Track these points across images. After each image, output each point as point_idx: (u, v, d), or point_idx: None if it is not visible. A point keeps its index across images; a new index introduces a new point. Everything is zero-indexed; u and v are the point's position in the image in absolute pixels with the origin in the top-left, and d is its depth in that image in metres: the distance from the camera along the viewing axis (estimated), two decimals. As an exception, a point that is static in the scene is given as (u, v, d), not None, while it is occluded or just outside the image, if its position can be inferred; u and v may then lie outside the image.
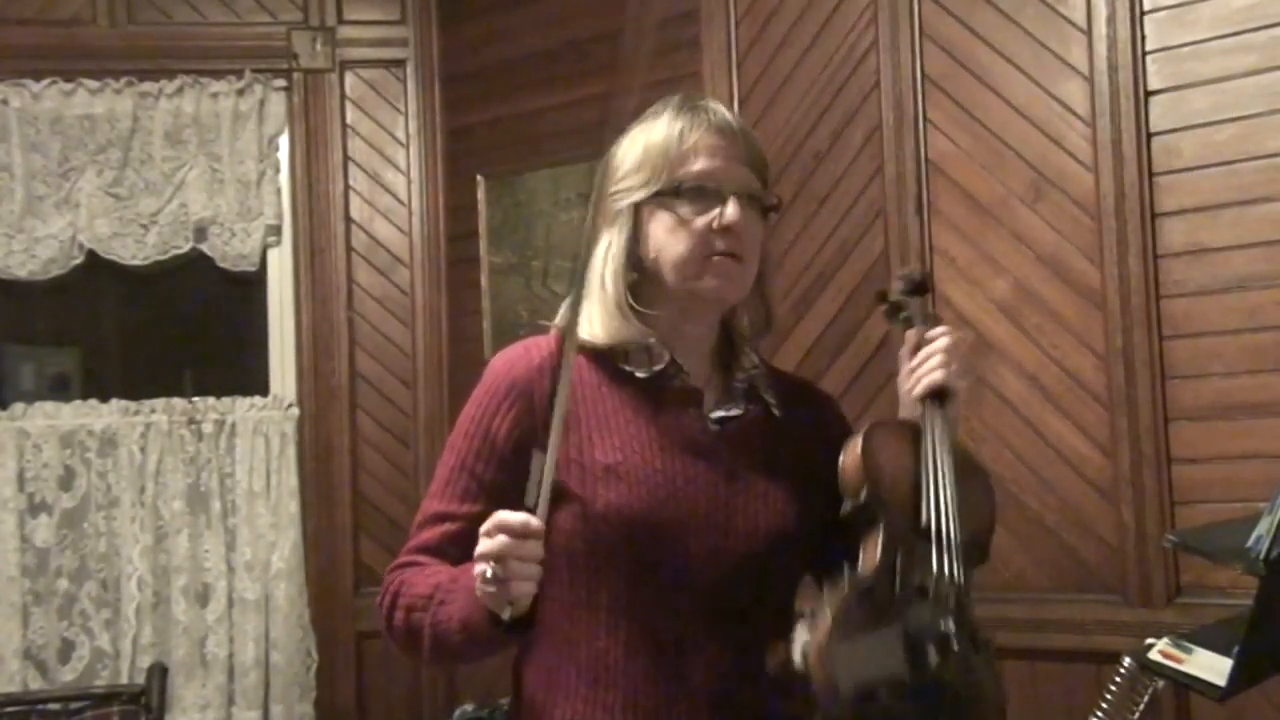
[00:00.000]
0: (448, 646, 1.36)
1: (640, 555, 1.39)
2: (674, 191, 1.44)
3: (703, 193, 1.44)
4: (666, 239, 1.45)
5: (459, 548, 1.42)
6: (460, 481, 1.46)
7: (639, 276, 1.48)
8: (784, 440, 1.49)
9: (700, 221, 1.44)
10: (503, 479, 1.44)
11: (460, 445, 1.48)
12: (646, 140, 1.47)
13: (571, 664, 1.40)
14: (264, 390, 3.82)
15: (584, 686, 1.39)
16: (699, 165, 1.45)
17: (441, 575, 1.40)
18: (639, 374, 1.47)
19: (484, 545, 1.25)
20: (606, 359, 1.48)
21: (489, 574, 1.24)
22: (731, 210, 1.43)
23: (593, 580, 1.41)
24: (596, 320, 1.46)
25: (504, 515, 1.26)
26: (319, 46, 3.85)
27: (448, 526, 1.45)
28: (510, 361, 1.49)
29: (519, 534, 1.24)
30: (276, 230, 3.83)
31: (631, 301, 1.46)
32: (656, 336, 1.47)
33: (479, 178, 3.75)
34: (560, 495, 1.37)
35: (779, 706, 1.37)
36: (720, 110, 1.48)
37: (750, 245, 1.46)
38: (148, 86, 3.75)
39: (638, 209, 1.47)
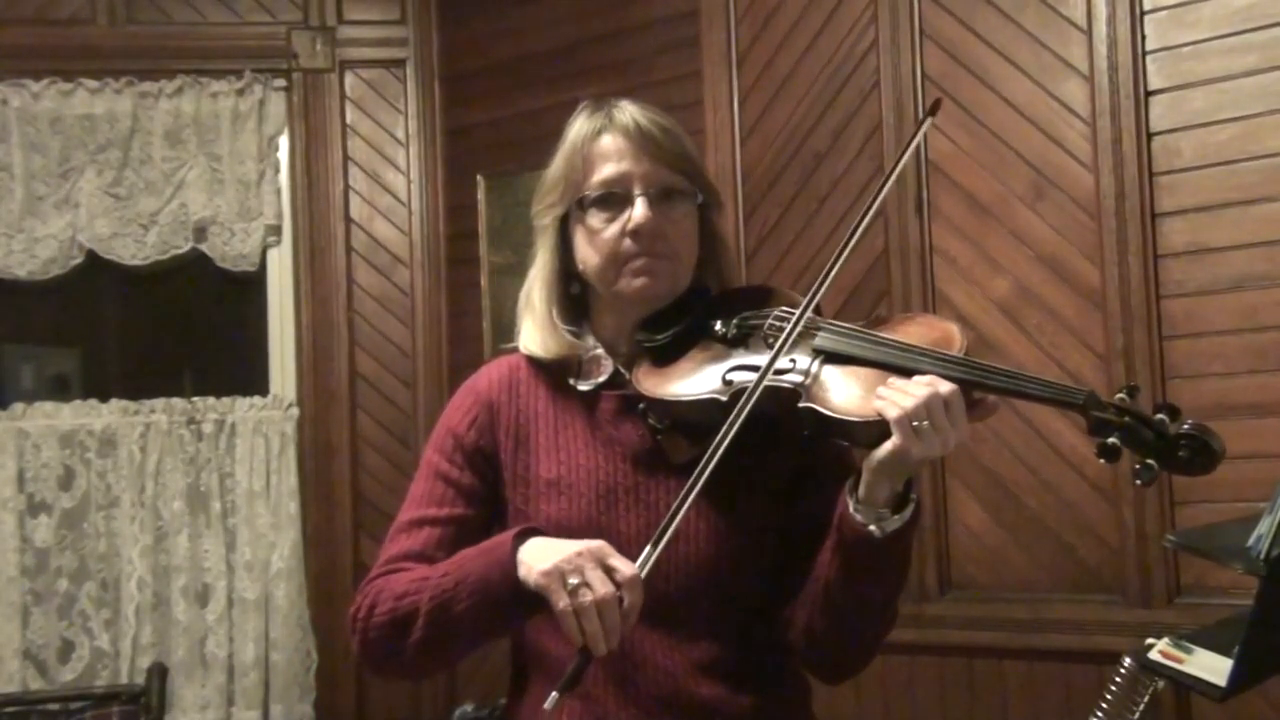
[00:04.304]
0: (449, 617, 1.33)
1: None
2: (581, 204, 1.47)
3: (610, 199, 1.45)
4: (586, 250, 1.48)
5: (446, 551, 1.44)
6: (437, 489, 1.49)
7: (581, 288, 1.52)
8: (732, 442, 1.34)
9: (611, 229, 1.45)
10: (476, 482, 1.48)
11: (433, 457, 1.52)
12: (562, 152, 1.50)
13: (545, 677, 1.42)
14: (264, 390, 3.82)
15: None
16: (603, 172, 1.46)
17: (435, 568, 1.38)
18: (581, 387, 1.49)
19: (588, 574, 1.23)
20: (556, 372, 1.51)
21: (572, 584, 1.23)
22: (639, 211, 1.43)
23: None
24: (533, 336, 1.50)
25: (613, 559, 1.25)
26: (319, 46, 3.85)
27: (431, 531, 1.46)
28: (476, 377, 1.56)
29: (616, 582, 1.23)
30: (276, 230, 3.83)
31: (559, 316, 1.49)
32: (603, 345, 1.50)
33: (479, 178, 3.75)
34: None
35: (730, 703, 1.39)
36: (627, 111, 1.48)
37: (672, 240, 1.46)
38: (147, 86, 3.75)
39: (562, 223, 1.50)
